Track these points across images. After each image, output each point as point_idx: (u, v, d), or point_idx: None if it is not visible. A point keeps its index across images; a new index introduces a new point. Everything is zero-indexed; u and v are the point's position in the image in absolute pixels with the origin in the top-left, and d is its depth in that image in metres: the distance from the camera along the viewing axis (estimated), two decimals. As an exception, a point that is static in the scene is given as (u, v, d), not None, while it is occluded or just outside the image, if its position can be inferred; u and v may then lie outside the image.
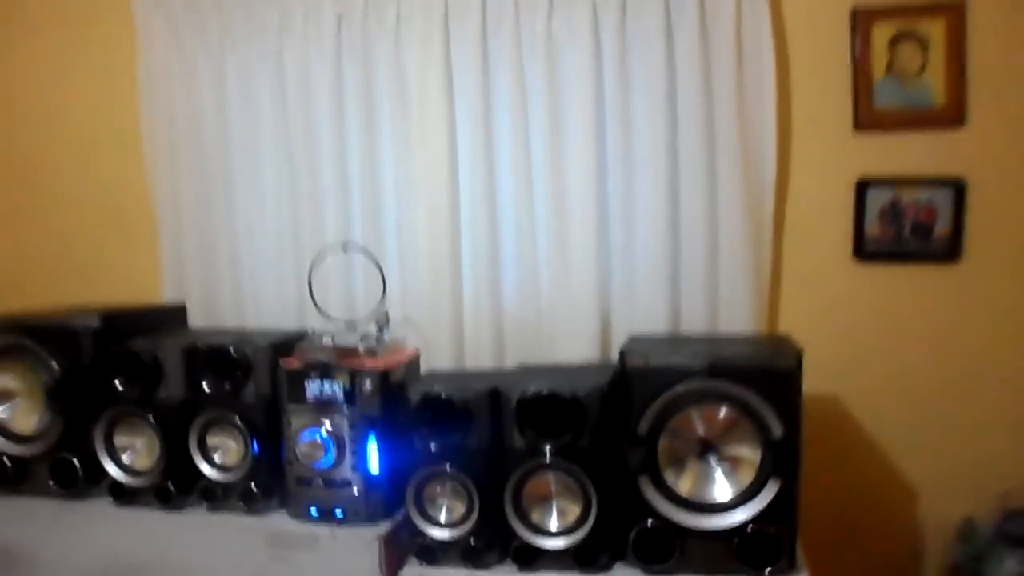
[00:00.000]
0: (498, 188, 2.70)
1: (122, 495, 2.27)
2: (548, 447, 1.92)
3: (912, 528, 2.70)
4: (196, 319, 2.83)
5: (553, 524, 1.96)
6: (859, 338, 2.64)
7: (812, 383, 2.54)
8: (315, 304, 2.43)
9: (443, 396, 1.97)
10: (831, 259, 2.65)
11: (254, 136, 2.85)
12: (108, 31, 3.02)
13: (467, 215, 2.70)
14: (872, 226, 2.58)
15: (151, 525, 2.23)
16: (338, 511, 2.11)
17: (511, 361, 2.64)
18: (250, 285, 2.89)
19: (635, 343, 2.14)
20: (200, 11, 2.83)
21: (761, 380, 1.85)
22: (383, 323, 2.31)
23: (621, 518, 1.93)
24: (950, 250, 2.54)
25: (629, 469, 1.90)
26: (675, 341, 2.35)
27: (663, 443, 1.91)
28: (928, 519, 2.69)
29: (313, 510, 2.13)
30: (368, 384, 2.08)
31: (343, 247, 2.63)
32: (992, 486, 2.52)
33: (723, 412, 1.87)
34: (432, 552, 2.01)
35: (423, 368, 2.43)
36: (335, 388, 2.09)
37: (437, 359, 2.66)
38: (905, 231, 2.57)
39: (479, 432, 1.98)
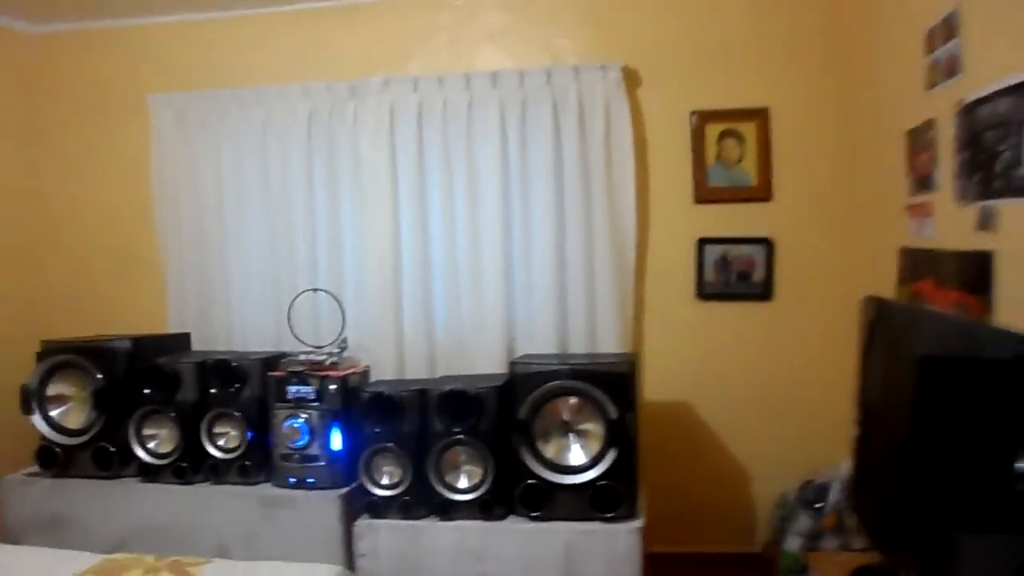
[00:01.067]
0: (430, 245, 3.44)
1: (148, 474, 2.94)
2: (459, 429, 2.68)
3: (747, 503, 3.44)
4: (196, 345, 3.48)
5: (463, 484, 2.71)
6: (701, 357, 3.41)
7: (666, 392, 3.32)
8: (292, 332, 3.18)
9: (385, 394, 2.73)
10: (679, 298, 3.42)
11: (242, 204, 3.57)
12: (127, 121, 3.72)
13: (407, 265, 3.43)
14: (709, 273, 3.39)
15: (170, 496, 2.90)
16: (310, 479, 2.82)
17: (440, 375, 3.31)
18: (238, 319, 3.58)
19: (524, 357, 2.93)
20: (202, 107, 3.59)
21: (603, 380, 2.62)
22: (343, 346, 3.07)
23: (510, 478, 2.67)
24: (765, 291, 3.36)
25: (513, 443, 2.66)
26: (553, 356, 3.10)
27: (537, 424, 2.66)
28: (758, 495, 3.42)
29: (292, 479, 2.84)
30: (332, 388, 2.83)
31: (314, 291, 3.35)
32: (801, 468, 3.20)
33: (576, 401, 2.65)
34: (378, 507, 2.73)
35: (373, 378, 3.17)
36: (309, 390, 2.83)
37: (384, 374, 3.35)
38: (732, 277, 3.37)
39: (411, 420, 2.73)
